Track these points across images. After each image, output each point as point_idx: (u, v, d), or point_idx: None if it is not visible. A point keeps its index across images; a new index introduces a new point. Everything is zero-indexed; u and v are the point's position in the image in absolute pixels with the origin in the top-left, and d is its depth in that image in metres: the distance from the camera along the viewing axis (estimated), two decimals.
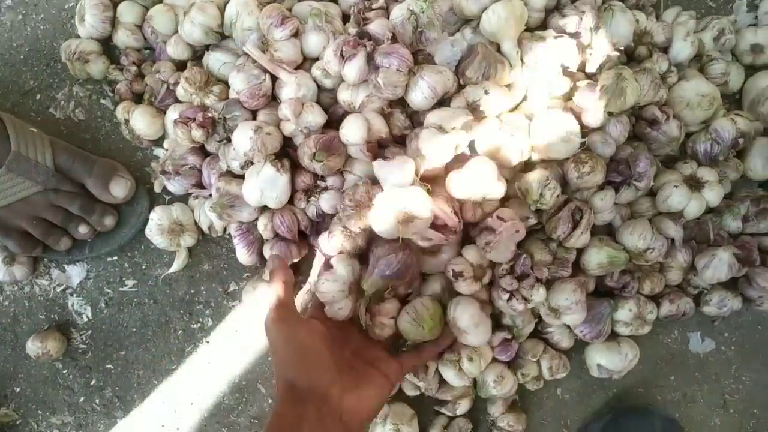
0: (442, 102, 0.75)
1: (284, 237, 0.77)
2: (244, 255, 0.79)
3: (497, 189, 0.68)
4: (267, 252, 0.78)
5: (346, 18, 0.80)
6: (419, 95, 0.71)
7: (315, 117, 0.72)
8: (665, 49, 0.83)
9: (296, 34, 0.76)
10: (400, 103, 0.75)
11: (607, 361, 0.79)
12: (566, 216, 0.72)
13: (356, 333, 0.70)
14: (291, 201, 0.77)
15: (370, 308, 0.69)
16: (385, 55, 0.70)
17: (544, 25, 0.80)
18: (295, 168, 0.76)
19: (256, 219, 0.78)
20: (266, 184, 0.72)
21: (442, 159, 0.67)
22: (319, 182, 0.75)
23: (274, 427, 0.54)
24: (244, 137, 0.71)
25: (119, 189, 0.81)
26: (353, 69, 0.71)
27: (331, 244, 0.71)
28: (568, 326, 0.79)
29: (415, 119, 0.76)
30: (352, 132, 0.70)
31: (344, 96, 0.75)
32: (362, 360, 0.66)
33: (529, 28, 0.77)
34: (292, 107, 0.71)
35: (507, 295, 0.70)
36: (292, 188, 0.75)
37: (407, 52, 0.71)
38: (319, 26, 0.75)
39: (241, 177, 0.76)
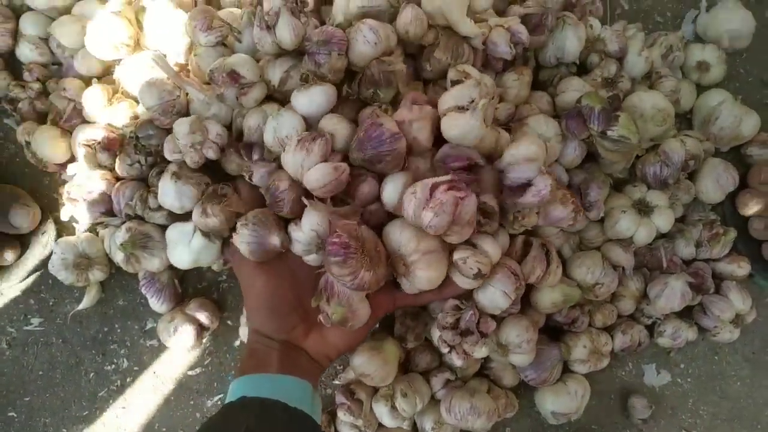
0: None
1: None
2: (156, 304, 0.74)
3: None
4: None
5: None
6: (361, 43, 0.64)
7: (215, 127, 0.66)
8: (619, 60, 0.79)
9: (225, 44, 0.70)
10: None
11: (560, 405, 0.73)
12: (540, 255, 0.65)
13: None
14: None
15: None
16: (322, 44, 0.64)
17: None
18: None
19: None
20: (201, 251, 0.65)
21: None
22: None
23: (246, 358, 0.58)
24: (180, 198, 0.65)
25: (21, 219, 0.73)
26: (285, 28, 0.64)
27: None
28: (512, 364, 0.73)
29: None
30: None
31: (270, 76, 0.68)
32: None
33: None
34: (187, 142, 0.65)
35: (447, 349, 0.64)
36: None
37: (341, 33, 0.65)
38: (254, 23, 0.68)
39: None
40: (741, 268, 0.77)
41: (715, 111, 0.81)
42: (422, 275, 0.53)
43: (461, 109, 0.57)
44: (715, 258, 0.78)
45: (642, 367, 0.81)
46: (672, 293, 0.73)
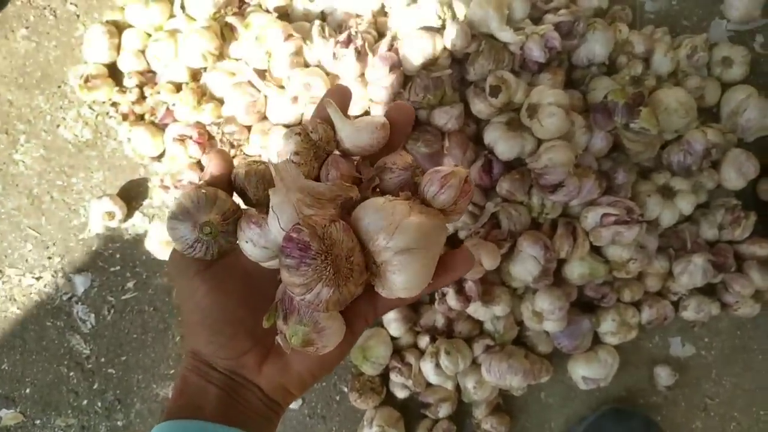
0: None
1: None
2: None
3: None
4: None
5: None
6: (413, 51, 0.77)
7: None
8: (645, 60, 0.87)
9: (299, 53, 0.82)
10: None
11: (590, 371, 0.81)
12: (566, 232, 0.76)
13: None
14: None
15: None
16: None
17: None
18: None
19: None
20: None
21: None
22: None
23: (177, 393, 0.42)
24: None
25: None
26: (347, 66, 0.77)
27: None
28: (546, 332, 0.82)
29: None
30: None
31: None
32: None
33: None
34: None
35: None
36: None
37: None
38: (323, 36, 0.80)
39: None
40: (762, 248, 0.84)
41: (743, 104, 0.87)
42: (396, 280, 0.37)
43: None
44: (737, 240, 0.85)
45: (668, 340, 0.88)
46: (695, 270, 0.80)
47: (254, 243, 0.39)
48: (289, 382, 0.42)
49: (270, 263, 0.40)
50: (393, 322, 0.83)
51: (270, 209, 0.37)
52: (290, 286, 0.35)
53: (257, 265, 0.41)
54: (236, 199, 0.41)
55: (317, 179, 0.40)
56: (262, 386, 0.42)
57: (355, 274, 0.36)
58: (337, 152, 0.41)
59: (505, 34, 0.79)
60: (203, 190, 0.39)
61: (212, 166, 0.41)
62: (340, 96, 0.42)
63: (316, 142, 0.39)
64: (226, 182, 0.41)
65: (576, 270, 0.79)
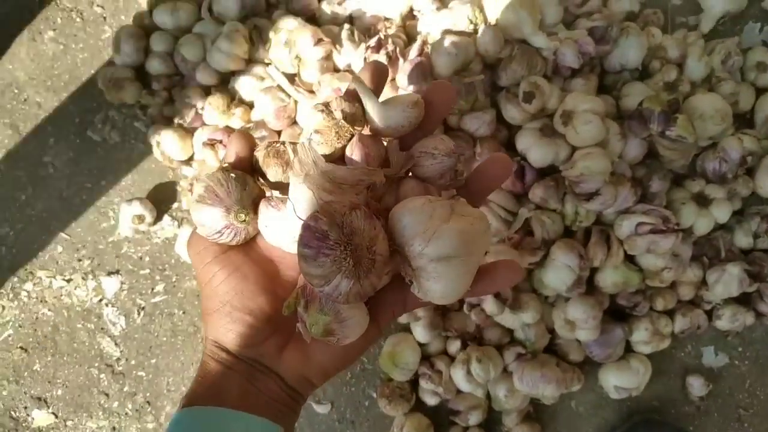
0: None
1: None
2: None
3: None
4: None
5: None
6: (444, 54, 0.76)
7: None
8: (679, 66, 0.85)
9: (329, 58, 0.81)
10: None
11: (622, 380, 0.80)
12: (600, 240, 0.75)
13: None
14: None
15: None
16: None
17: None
18: None
19: None
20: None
21: None
22: None
23: (197, 380, 0.41)
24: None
25: None
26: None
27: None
28: (578, 340, 0.81)
29: None
30: None
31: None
32: None
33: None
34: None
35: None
36: None
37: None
38: (352, 40, 0.80)
39: None
40: None
41: None
42: (431, 288, 0.34)
43: None
44: None
45: (701, 349, 0.87)
46: (730, 279, 0.79)
47: (274, 227, 0.37)
48: (310, 371, 0.41)
49: (291, 248, 0.38)
50: (419, 328, 0.82)
51: (289, 194, 0.35)
52: (308, 277, 0.34)
53: (278, 248, 0.39)
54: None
55: (341, 161, 0.37)
56: (282, 374, 0.41)
57: (378, 265, 0.34)
58: (366, 131, 0.37)
59: (538, 39, 0.78)
60: (232, 174, 0.37)
61: (235, 146, 0.39)
62: (376, 72, 0.38)
63: (339, 121, 0.36)
64: (249, 165, 0.39)
65: (609, 278, 0.78)
